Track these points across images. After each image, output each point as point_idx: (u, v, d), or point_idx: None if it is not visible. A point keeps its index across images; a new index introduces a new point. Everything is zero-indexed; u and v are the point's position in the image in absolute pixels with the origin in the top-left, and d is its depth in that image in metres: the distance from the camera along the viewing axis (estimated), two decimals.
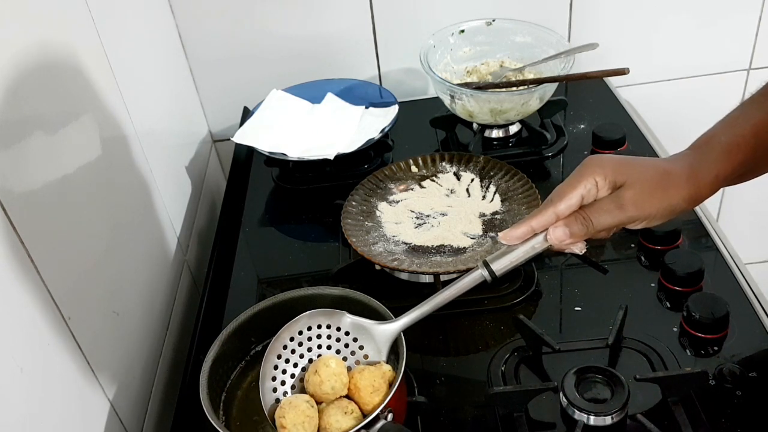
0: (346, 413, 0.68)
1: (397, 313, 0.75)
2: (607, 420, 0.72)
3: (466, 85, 1.18)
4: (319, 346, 0.74)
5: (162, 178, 1.07)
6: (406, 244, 0.96)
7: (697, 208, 1.02)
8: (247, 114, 1.30)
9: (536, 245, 0.69)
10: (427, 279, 0.93)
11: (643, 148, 1.15)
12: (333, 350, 0.74)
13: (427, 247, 0.95)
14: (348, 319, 0.74)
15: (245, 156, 1.29)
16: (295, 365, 0.73)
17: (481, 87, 1.17)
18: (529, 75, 1.22)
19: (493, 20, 1.25)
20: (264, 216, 1.16)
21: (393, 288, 0.95)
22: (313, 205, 1.15)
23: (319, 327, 0.74)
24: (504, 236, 0.69)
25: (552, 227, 0.68)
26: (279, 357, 0.73)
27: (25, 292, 0.66)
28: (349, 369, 0.72)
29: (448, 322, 0.91)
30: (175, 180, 1.17)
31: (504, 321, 0.88)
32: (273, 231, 1.14)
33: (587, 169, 0.68)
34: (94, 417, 0.76)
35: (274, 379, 0.72)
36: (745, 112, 0.71)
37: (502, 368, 0.82)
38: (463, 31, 1.26)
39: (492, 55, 1.27)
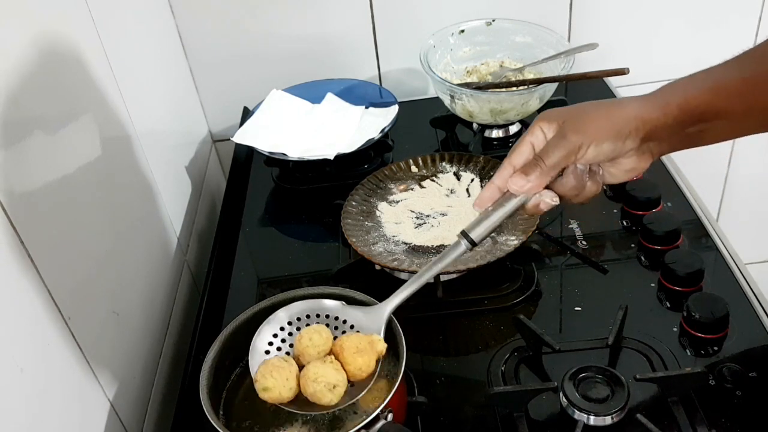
0: (325, 362, 0.68)
1: (397, 313, 0.75)
2: (607, 420, 0.72)
3: (466, 85, 1.18)
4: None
5: (162, 178, 1.07)
6: (406, 244, 0.96)
7: (697, 208, 1.02)
8: (247, 114, 1.30)
9: (507, 205, 0.71)
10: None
11: None
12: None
13: (427, 247, 0.95)
14: (343, 307, 0.75)
15: (245, 156, 1.29)
16: (287, 354, 0.74)
17: (481, 87, 1.17)
18: (529, 75, 1.22)
19: (493, 20, 1.25)
20: (264, 216, 1.16)
21: (393, 288, 0.93)
22: (313, 205, 1.15)
23: (318, 316, 0.75)
24: (476, 204, 0.72)
25: (511, 178, 0.69)
26: (270, 344, 0.73)
27: (26, 293, 0.66)
28: None
29: (448, 322, 0.91)
30: (175, 180, 1.17)
31: (504, 321, 0.88)
32: (273, 231, 1.14)
33: (534, 122, 0.71)
34: (94, 417, 0.76)
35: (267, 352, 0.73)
36: (707, 71, 0.71)
37: (502, 368, 0.82)
38: (463, 31, 1.26)
39: (492, 55, 1.27)
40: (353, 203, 1.02)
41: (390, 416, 0.68)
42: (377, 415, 0.67)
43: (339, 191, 1.06)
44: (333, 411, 0.70)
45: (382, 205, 1.03)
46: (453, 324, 0.90)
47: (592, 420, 0.72)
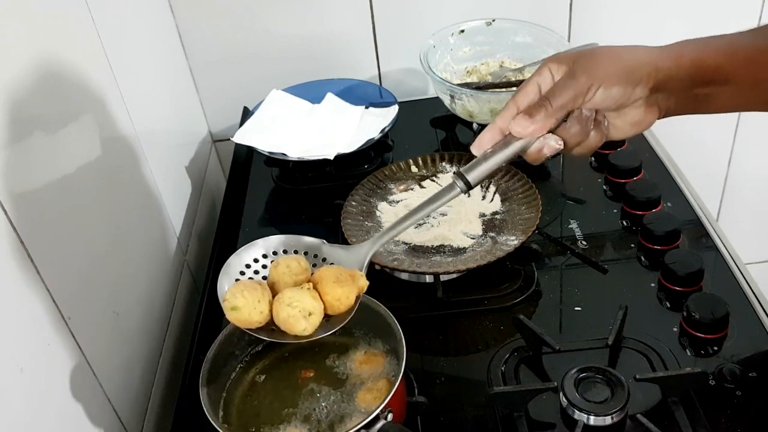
0: (302, 288, 0.64)
1: (397, 313, 0.75)
2: (607, 420, 0.72)
3: (466, 85, 1.18)
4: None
5: (162, 178, 1.07)
6: (406, 244, 0.96)
7: (697, 208, 1.02)
8: (247, 114, 1.30)
9: (507, 148, 0.67)
10: (428, 279, 0.93)
11: (643, 147, 1.15)
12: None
13: (427, 247, 0.95)
14: (323, 244, 0.71)
15: (245, 156, 1.29)
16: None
17: (481, 87, 1.17)
18: (529, 75, 1.22)
19: (493, 20, 1.25)
20: (264, 216, 1.16)
21: (393, 288, 0.95)
22: (313, 205, 1.15)
23: (296, 252, 0.71)
24: (474, 146, 0.69)
25: (514, 119, 0.67)
26: (242, 272, 0.70)
27: (25, 292, 0.66)
28: None
29: (448, 322, 0.91)
30: (175, 180, 1.17)
31: (504, 321, 0.88)
32: (273, 231, 1.14)
33: (543, 63, 0.69)
34: (94, 417, 0.76)
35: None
36: (722, 35, 0.70)
37: (502, 368, 0.82)
38: (463, 31, 1.26)
39: (492, 55, 1.27)
40: (353, 203, 1.02)
41: (390, 416, 0.68)
42: (377, 415, 0.67)
43: (339, 191, 1.06)
44: (305, 342, 0.65)
45: (382, 205, 1.03)
46: (453, 324, 0.90)
47: (592, 420, 0.72)
